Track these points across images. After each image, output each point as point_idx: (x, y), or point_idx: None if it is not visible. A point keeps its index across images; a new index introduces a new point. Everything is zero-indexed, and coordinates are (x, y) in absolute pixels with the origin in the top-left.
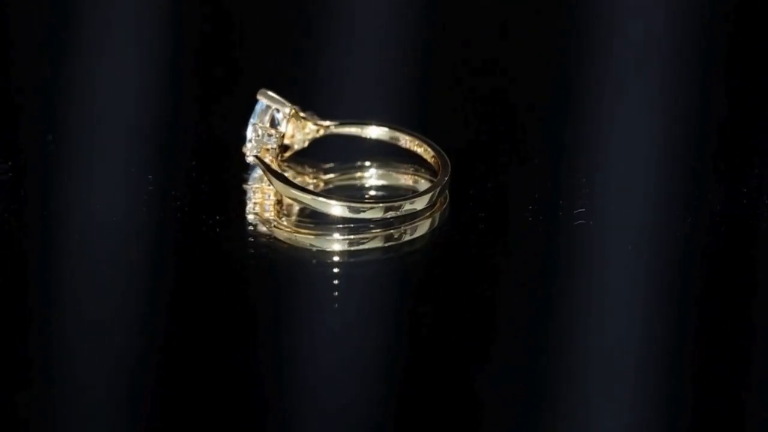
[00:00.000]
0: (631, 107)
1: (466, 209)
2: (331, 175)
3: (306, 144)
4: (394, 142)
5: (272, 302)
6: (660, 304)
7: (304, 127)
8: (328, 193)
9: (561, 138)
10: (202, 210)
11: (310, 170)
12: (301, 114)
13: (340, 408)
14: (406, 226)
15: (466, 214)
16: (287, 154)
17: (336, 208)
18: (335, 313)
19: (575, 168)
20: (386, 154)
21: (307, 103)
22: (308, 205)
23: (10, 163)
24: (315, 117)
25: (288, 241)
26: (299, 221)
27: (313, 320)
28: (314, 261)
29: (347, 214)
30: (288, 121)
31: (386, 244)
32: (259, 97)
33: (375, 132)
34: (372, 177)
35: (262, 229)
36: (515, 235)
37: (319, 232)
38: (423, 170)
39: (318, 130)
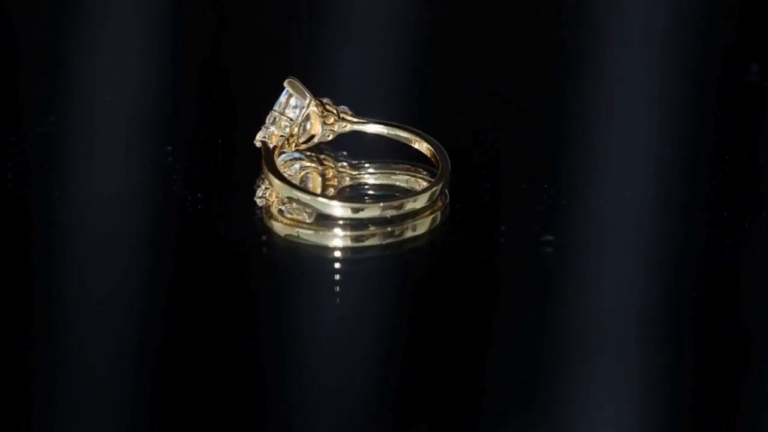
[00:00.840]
0: (632, 106)
1: (466, 207)
2: (356, 172)
3: (330, 137)
4: (411, 144)
5: (273, 296)
6: (660, 306)
7: (328, 120)
8: (329, 193)
9: (562, 136)
10: (206, 198)
11: (332, 164)
12: (328, 107)
13: (340, 404)
14: (407, 224)
15: (467, 213)
16: (307, 144)
17: (337, 209)
18: (335, 310)
19: (576, 166)
20: (387, 153)
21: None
22: (309, 205)
23: (52, 116)
24: (346, 112)
25: (289, 237)
26: (301, 216)
27: (312, 316)
28: (314, 257)
29: (348, 214)
30: (306, 112)
31: (387, 242)
32: (285, 84)
33: (400, 134)
34: (373, 176)
35: (264, 222)
36: (515, 234)
37: (321, 228)
38: (424, 169)
39: (345, 126)
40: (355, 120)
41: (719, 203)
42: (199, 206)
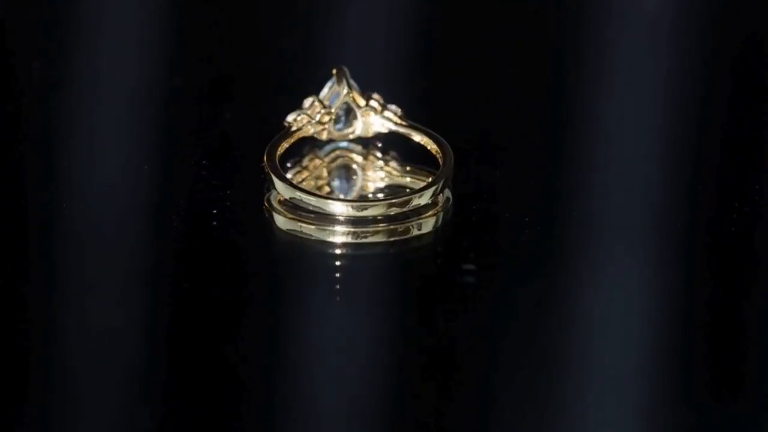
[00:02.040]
0: (633, 104)
1: (469, 205)
2: (398, 171)
3: (370, 133)
4: (428, 148)
5: (274, 291)
6: (661, 307)
7: (366, 116)
8: (331, 194)
9: (564, 135)
10: (207, 193)
11: (375, 160)
12: (372, 103)
13: (338, 402)
14: (411, 221)
15: (470, 211)
16: (345, 136)
17: (340, 208)
18: (336, 306)
19: (578, 165)
20: (389, 151)
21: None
22: (312, 206)
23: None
24: (395, 112)
25: (291, 231)
26: (302, 214)
27: (313, 312)
28: (316, 252)
29: (351, 213)
30: (342, 102)
31: (390, 239)
32: (333, 72)
33: (430, 144)
34: (376, 175)
35: (267, 216)
36: (518, 232)
37: (323, 224)
38: (427, 167)
39: (384, 125)
40: (399, 122)
41: (721, 202)
42: (202, 201)
